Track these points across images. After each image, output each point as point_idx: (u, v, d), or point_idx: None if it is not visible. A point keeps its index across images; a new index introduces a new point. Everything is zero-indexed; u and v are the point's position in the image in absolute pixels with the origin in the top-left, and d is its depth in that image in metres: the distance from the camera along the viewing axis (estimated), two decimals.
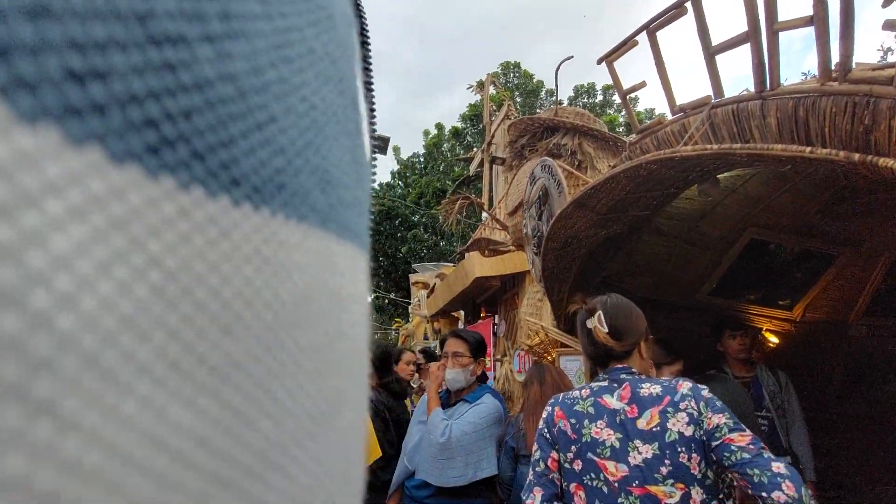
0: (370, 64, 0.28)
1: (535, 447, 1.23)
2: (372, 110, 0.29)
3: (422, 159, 18.02)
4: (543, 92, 17.02)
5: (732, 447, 0.97)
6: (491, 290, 5.76)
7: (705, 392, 1.08)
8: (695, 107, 1.60)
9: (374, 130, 0.29)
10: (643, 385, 1.12)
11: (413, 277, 10.80)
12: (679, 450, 1.01)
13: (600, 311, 1.22)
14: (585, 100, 16.95)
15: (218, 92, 0.09)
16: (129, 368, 0.08)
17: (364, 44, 0.27)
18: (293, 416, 0.12)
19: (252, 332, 0.10)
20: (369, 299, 0.18)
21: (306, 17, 0.13)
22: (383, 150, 6.26)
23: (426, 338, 8.78)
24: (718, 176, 1.93)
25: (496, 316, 5.77)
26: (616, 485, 1.04)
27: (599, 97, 17.25)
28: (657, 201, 2.04)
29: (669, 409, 1.05)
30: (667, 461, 1.01)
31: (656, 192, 1.90)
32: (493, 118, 7.36)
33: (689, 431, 1.02)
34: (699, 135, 1.56)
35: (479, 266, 5.16)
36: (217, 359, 0.09)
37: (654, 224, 2.48)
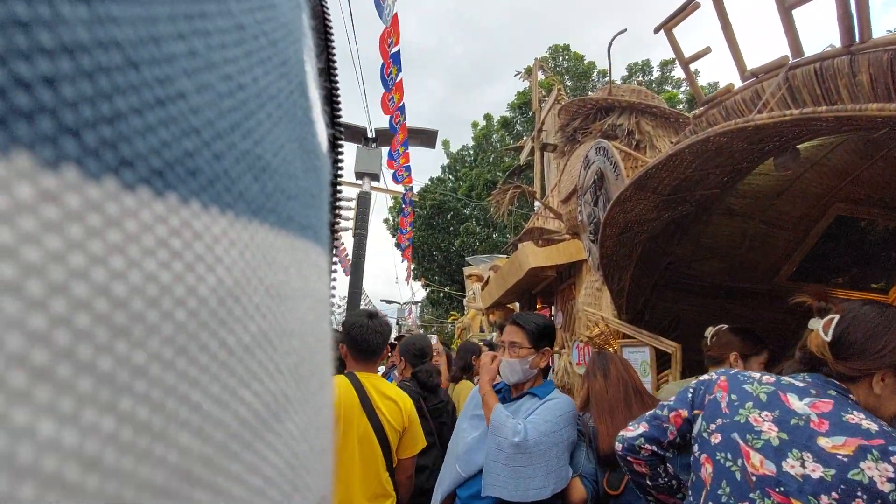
0: (332, 51, 0.28)
1: (673, 396, 1.20)
2: (334, 97, 0.28)
3: (471, 152, 17.95)
4: (595, 73, 16.38)
5: None
6: (546, 281, 5.63)
7: None
8: (769, 69, 1.45)
9: (338, 117, 0.28)
10: (854, 413, 0.95)
11: (467, 271, 10.81)
12: (859, 494, 0.88)
13: (837, 316, 1.02)
14: (640, 78, 16.12)
15: (95, 59, 0.08)
16: None
17: (325, 30, 0.27)
18: (220, 425, 0.11)
19: (159, 333, 0.09)
20: (327, 294, 0.17)
21: None
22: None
23: (482, 330, 8.79)
24: (798, 146, 1.74)
25: (553, 307, 5.64)
26: (753, 478, 0.96)
27: (656, 74, 16.35)
28: (727, 178, 1.88)
29: (875, 452, 0.90)
30: (834, 494, 0.88)
31: (726, 167, 1.74)
32: (542, 104, 7.17)
33: (884, 487, 0.88)
34: (775, 100, 1.41)
35: (532, 256, 5.06)
36: (107, 365, 0.08)
37: (724, 204, 2.30)
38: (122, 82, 0.09)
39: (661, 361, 2.45)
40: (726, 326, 1.87)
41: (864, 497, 0.88)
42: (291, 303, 0.14)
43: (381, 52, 5.04)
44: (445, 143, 18.46)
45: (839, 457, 0.91)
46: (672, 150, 1.63)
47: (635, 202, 1.97)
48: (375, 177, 6.44)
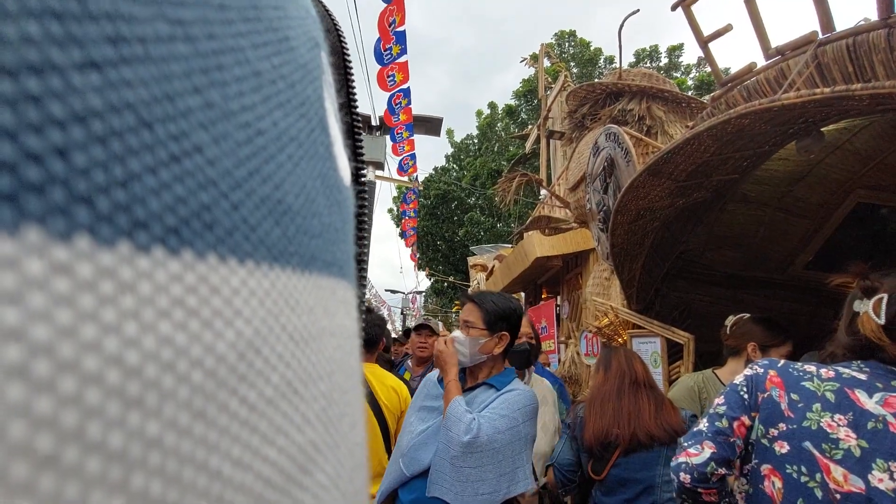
0: (352, 85, 0.29)
1: (720, 400, 1.03)
2: (356, 131, 0.29)
3: (475, 141, 17.80)
4: (602, 60, 16.12)
5: None
6: (552, 271, 5.57)
7: None
8: (796, 46, 1.37)
9: (360, 151, 0.29)
10: None
11: (471, 260, 10.77)
12: None
13: (885, 295, 0.91)
14: (649, 64, 15.85)
15: (107, 124, 0.08)
16: None
17: (344, 66, 0.29)
18: (242, 489, 0.10)
19: (174, 399, 0.09)
20: (356, 329, 0.17)
21: (250, 38, 0.12)
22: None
23: None
24: (823, 129, 1.66)
25: (559, 297, 5.58)
26: (838, 496, 0.84)
27: (664, 60, 16.07)
28: (748, 162, 1.80)
29: None
30: None
31: (747, 151, 1.66)
32: (548, 91, 7.04)
33: None
34: (802, 79, 1.32)
35: (539, 246, 4.99)
36: (118, 442, 0.08)
37: (740, 191, 2.22)
38: (135, 143, 0.09)
39: (672, 352, 2.39)
40: (748, 315, 1.80)
41: None
42: (317, 344, 0.13)
43: (380, 31, 4.94)
44: (450, 133, 18.30)
45: None
46: (689, 133, 1.55)
47: (648, 189, 1.89)
48: (380, 165, 6.37)
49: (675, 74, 15.00)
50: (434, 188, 16.38)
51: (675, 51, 15.87)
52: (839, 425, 0.88)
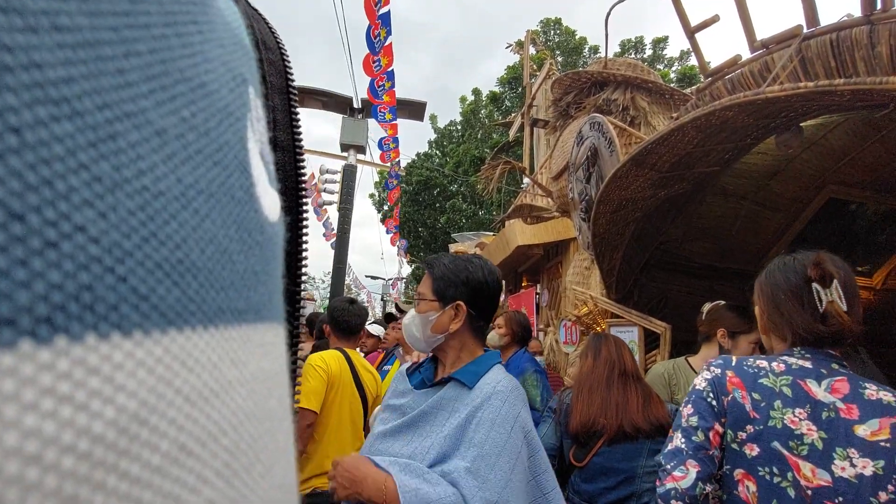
0: (295, 109, 0.29)
1: (689, 410, 1.00)
2: (298, 157, 0.29)
3: (459, 127, 17.68)
4: (587, 49, 16.12)
5: None
6: (533, 259, 5.61)
7: None
8: (781, 40, 1.37)
9: (302, 179, 0.29)
10: (867, 386, 0.90)
11: (453, 248, 10.77)
12: None
13: (836, 281, 0.94)
14: (633, 55, 15.92)
15: None
16: None
17: (288, 88, 0.29)
18: None
19: (41, 489, 0.09)
20: (279, 367, 0.16)
21: (153, 98, 0.11)
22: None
23: None
24: (802, 125, 1.69)
25: (539, 285, 5.63)
26: (809, 492, 0.85)
27: (648, 52, 16.17)
28: (729, 155, 1.82)
29: None
30: (890, 487, 0.82)
31: (728, 144, 1.68)
32: (533, 79, 7.01)
33: None
34: (787, 73, 1.34)
35: (520, 234, 5.01)
36: None
37: (719, 184, 2.25)
38: (2, 239, 0.08)
39: (649, 341, 2.44)
40: (723, 303, 1.85)
41: None
42: (221, 399, 0.13)
43: (367, 12, 4.81)
44: (433, 118, 18.11)
45: (881, 444, 0.84)
46: (674, 124, 1.55)
47: (631, 179, 1.91)
48: (361, 149, 6.26)
49: (658, 67, 15.13)
50: (416, 174, 16.25)
51: (659, 43, 15.97)
52: (800, 420, 0.89)
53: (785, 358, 0.97)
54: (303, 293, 0.30)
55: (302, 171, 0.31)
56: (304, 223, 0.30)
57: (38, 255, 0.09)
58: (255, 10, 0.33)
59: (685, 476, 0.95)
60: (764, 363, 0.98)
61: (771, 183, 2.40)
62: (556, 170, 3.78)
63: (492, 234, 8.22)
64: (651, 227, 2.27)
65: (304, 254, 0.30)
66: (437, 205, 16.29)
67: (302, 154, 0.31)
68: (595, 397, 1.57)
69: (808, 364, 0.95)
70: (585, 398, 1.58)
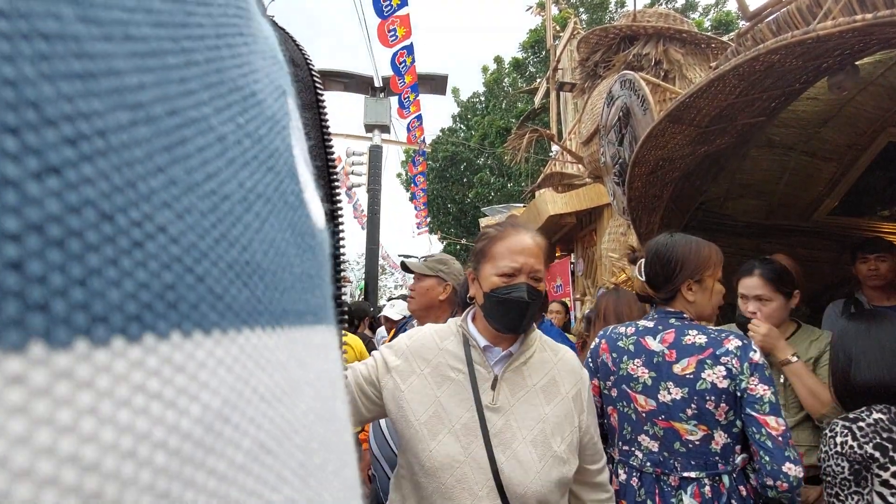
0: (326, 123, 0.31)
1: None
2: (330, 167, 0.31)
3: (482, 98, 17.30)
4: (613, 3, 15.31)
5: (763, 430, 1.09)
6: (566, 228, 5.50)
7: (756, 357, 1.14)
8: None
9: (335, 188, 0.31)
10: (689, 332, 1.21)
11: (483, 222, 10.71)
12: (707, 398, 1.14)
13: (642, 259, 1.30)
14: (664, 4, 15.03)
15: (65, 226, 0.08)
16: None
17: (318, 105, 0.30)
18: None
19: (136, 485, 0.09)
20: (336, 369, 0.17)
21: (213, 104, 0.12)
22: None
23: None
24: (857, 63, 1.54)
25: (573, 254, 5.54)
26: (644, 415, 1.21)
27: (681, 1, 15.21)
28: (776, 103, 1.70)
29: (708, 361, 1.15)
30: (693, 405, 1.15)
31: (775, 91, 1.57)
32: (556, 41, 6.73)
33: (723, 384, 1.13)
34: (840, 6, 1.22)
35: (551, 203, 4.91)
36: None
37: (764, 136, 2.11)
38: (94, 239, 0.09)
39: None
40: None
41: (713, 398, 1.13)
42: (291, 399, 0.13)
43: None
44: (455, 92, 17.77)
45: (688, 376, 1.17)
46: (713, 74, 1.45)
47: (668, 137, 1.81)
48: (385, 128, 6.24)
49: (692, 16, 14.23)
50: (442, 150, 16.09)
51: None
52: (637, 366, 1.24)
53: (640, 322, 1.31)
54: (343, 296, 0.31)
55: (335, 182, 0.32)
56: (341, 229, 0.31)
57: (126, 255, 0.09)
58: (283, 28, 0.34)
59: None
60: (622, 329, 1.31)
61: (822, 130, 2.23)
62: (586, 134, 3.65)
63: (522, 205, 8.11)
64: (690, 186, 2.17)
65: (342, 258, 0.31)
66: (465, 180, 16.16)
67: (335, 167, 0.31)
68: (610, 320, 1.78)
69: (650, 324, 1.27)
70: (601, 322, 1.82)
